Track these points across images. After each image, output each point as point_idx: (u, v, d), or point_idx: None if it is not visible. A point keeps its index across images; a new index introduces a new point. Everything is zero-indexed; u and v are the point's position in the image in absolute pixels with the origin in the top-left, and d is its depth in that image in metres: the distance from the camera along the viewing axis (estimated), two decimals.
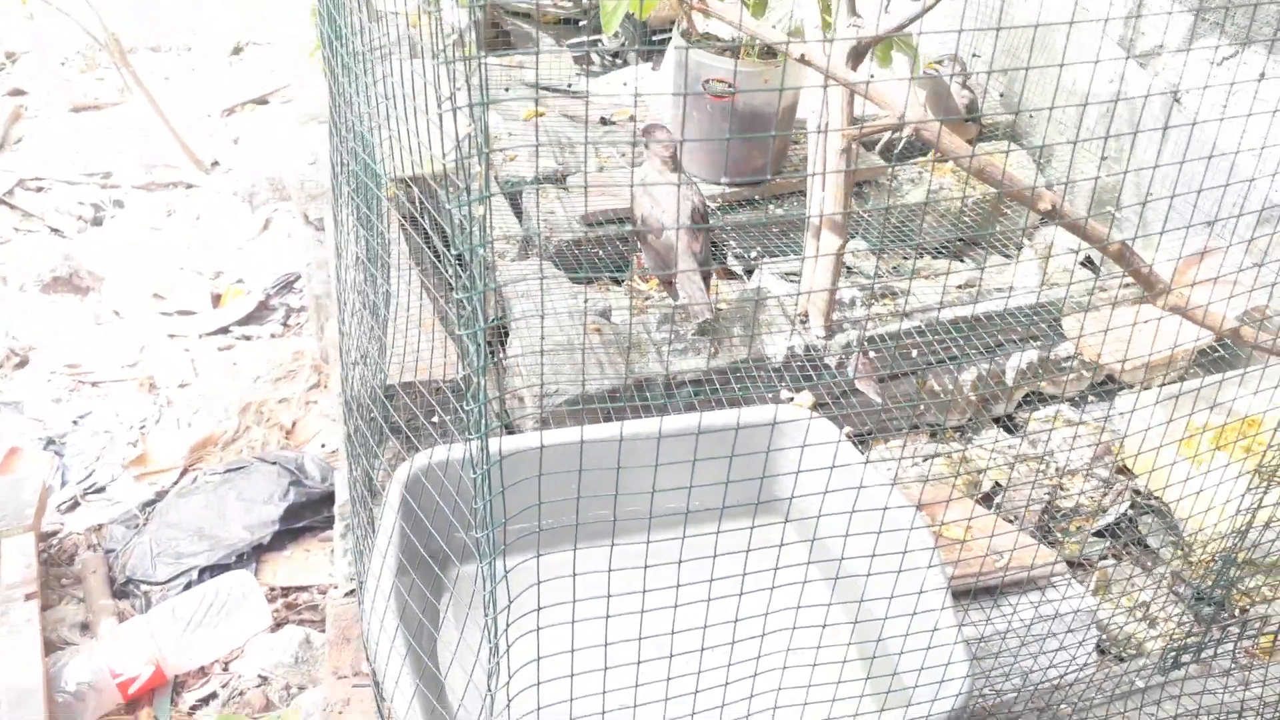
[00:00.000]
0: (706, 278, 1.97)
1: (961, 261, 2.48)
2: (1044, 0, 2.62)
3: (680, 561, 0.85)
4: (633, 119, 3.15)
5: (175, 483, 2.21)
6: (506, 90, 2.87)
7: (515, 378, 1.88)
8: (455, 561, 1.25)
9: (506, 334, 2.04)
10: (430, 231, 1.67)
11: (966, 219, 2.47)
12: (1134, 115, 2.45)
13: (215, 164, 3.41)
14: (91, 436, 2.33)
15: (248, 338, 2.67)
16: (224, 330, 2.68)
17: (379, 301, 1.71)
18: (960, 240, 2.50)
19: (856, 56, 1.69)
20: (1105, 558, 1.74)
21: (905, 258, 2.46)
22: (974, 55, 2.67)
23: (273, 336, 2.66)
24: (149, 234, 3.06)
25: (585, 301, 2.06)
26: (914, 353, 1.93)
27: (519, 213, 2.43)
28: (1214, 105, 2.20)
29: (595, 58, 3.67)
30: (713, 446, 0.92)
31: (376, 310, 1.72)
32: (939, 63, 2.29)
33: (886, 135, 2.45)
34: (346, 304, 1.85)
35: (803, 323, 1.95)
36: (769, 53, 2.43)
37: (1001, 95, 2.80)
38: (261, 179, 2.87)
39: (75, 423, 2.36)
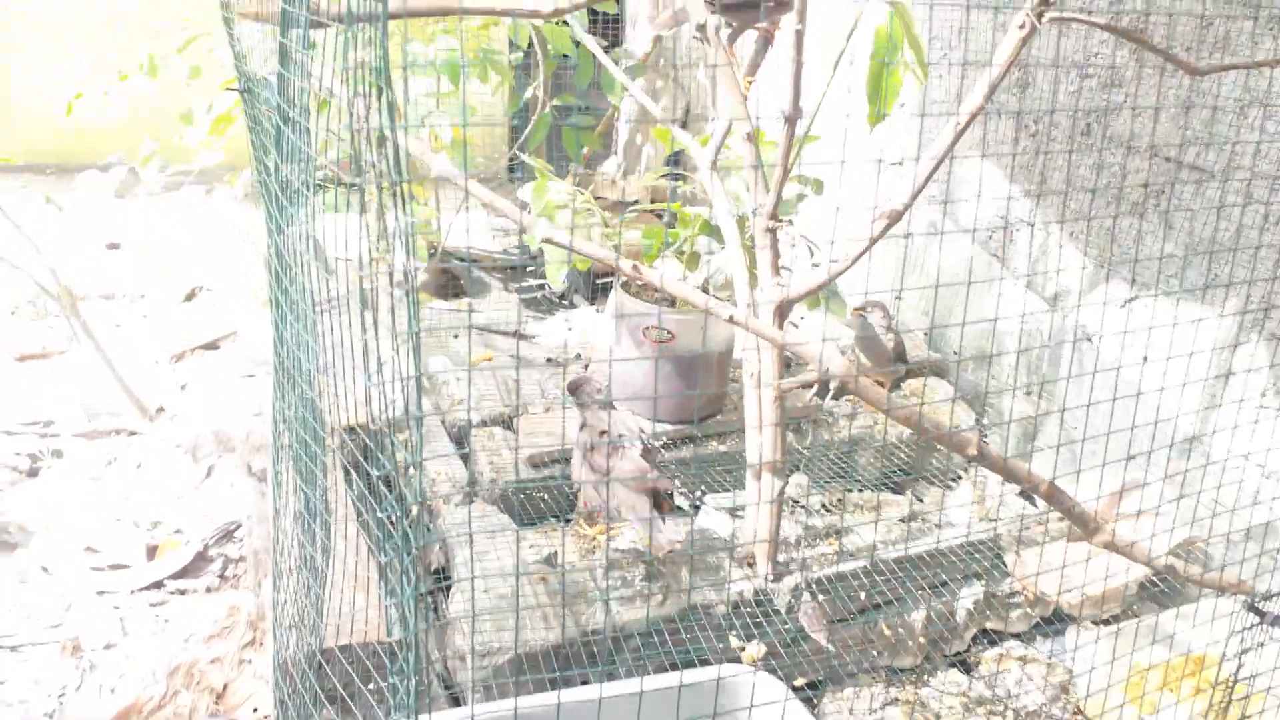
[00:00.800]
0: (658, 504, 1.97)
1: (900, 495, 2.53)
2: (970, 257, 2.83)
3: None
4: (579, 356, 3.25)
5: None
6: (455, 336, 2.96)
7: (458, 634, 1.83)
8: None
9: (449, 586, 2.01)
10: (365, 488, 1.67)
11: (902, 454, 2.54)
12: (1052, 355, 2.59)
13: (160, 410, 3.41)
14: (5, 708, 2.18)
15: (182, 592, 2.57)
16: (157, 585, 2.58)
17: (317, 558, 1.68)
18: (898, 473, 2.56)
19: (781, 313, 1.80)
20: None
21: (847, 490, 2.50)
22: (897, 298, 2.84)
23: (208, 590, 2.57)
24: (87, 484, 3.01)
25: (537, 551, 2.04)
26: (861, 594, 1.92)
27: (465, 458, 2.45)
28: (1126, 347, 2.34)
29: (542, 300, 3.84)
30: (656, 711, 0.90)
31: (315, 567, 1.68)
32: (863, 309, 2.43)
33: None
34: (283, 563, 1.81)
35: (749, 565, 1.95)
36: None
37: (925, 333, 2.96)
38: (206, 432, 2.88)
39: None
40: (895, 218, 1.70)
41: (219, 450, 2.86)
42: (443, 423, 2.55)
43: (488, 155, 5.58)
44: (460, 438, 2.52)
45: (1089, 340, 2.48)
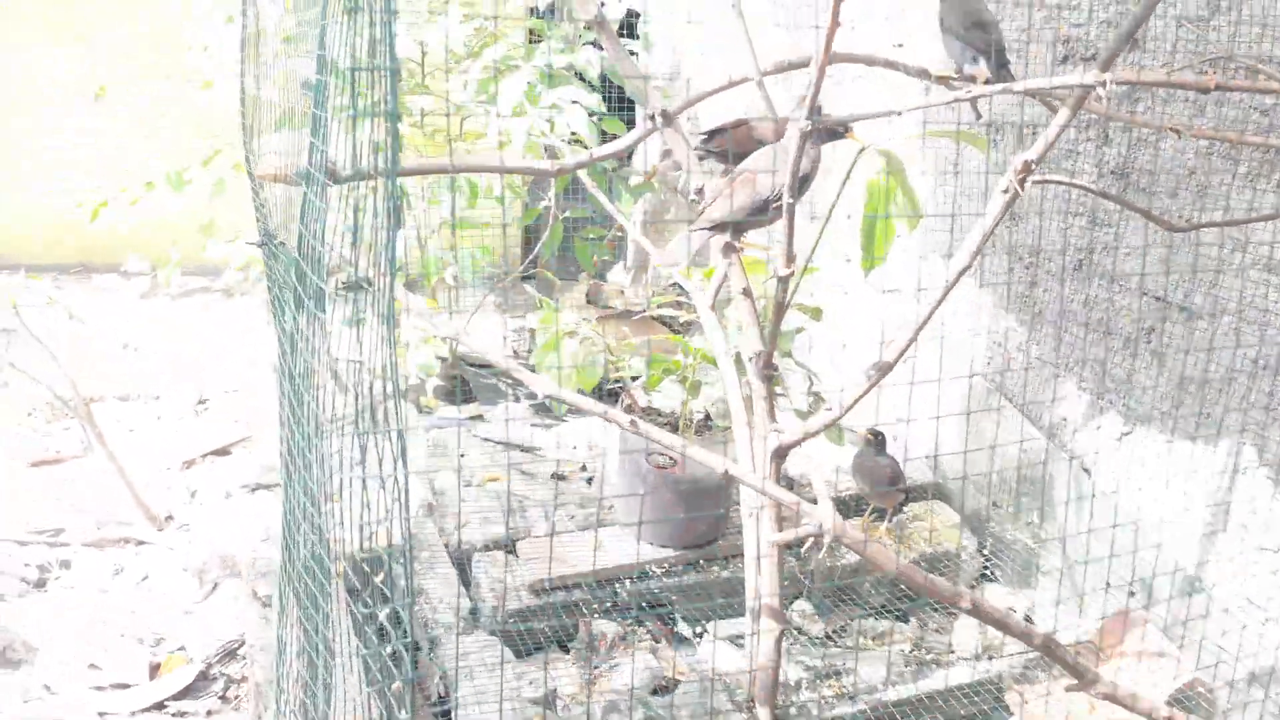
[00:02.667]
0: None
1: (905, 623, 2.53)
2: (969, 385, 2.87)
3: None
4: (584, 468, 3.28)
5: None
6: (463, 455, 3.00)
7: None
8: None
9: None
10: (364, 620, 1.68)
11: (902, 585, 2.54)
12: (1049, 483, 2.61)
13: (169, 518, 3.45)
14: None
15: (183, 714, 2.57)
16: (159, 706, 2.58)
17: (319, 694, 1.69)
18: (904, 599, 2.56)
19: (779, 456, 1.83)
20: None
21: (851, 619, 2.50)
22: (893, 439, 2.87)
23: (209, 714, 2.57)
24: (94, 595, 3.02)
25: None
26: None
27: (467, 583, 2.47)
28: (1121, 477, 2.37)
29: (550, 409, 3.88)
30: None
31: (316, 704, 1.69)
32: (867, 437, 2.46)
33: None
34: (285, 701, 1.82)
35: (749, 710, 1.95)
36: (706, 427, 2.61)
37: (927, 457, 2.99)
38: (213, 555, 2.90)
39: None
40: (887, 369, 1.75)
41: (226, 574, 2.88)
42: (446, 546, 2.58)
43: (502, 260, 5.70)
44: (463, 561, 2.54)
45: (1086, 472, 2.51)
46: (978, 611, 1.61)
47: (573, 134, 3.27)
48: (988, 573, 2.74)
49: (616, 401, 3.07)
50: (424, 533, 2.53)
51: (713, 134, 2.05)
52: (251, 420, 4.08)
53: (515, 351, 4.75)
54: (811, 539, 1.54)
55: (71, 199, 5.19)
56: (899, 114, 1.74)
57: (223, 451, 3.94)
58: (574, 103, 3.22)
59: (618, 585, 2.44)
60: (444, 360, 3.90)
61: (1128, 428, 2.42)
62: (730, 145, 1.94)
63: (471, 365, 4.29)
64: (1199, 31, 2.17)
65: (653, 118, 1.68)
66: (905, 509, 2.82)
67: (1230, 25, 2.13)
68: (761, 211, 1.80)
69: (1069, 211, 2.56)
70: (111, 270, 5.68)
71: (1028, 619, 2.52)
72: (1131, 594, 2.32)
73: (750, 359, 1.81)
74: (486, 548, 2.55)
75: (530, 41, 3.80)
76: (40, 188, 5.82)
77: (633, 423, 1.50)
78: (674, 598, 2.46)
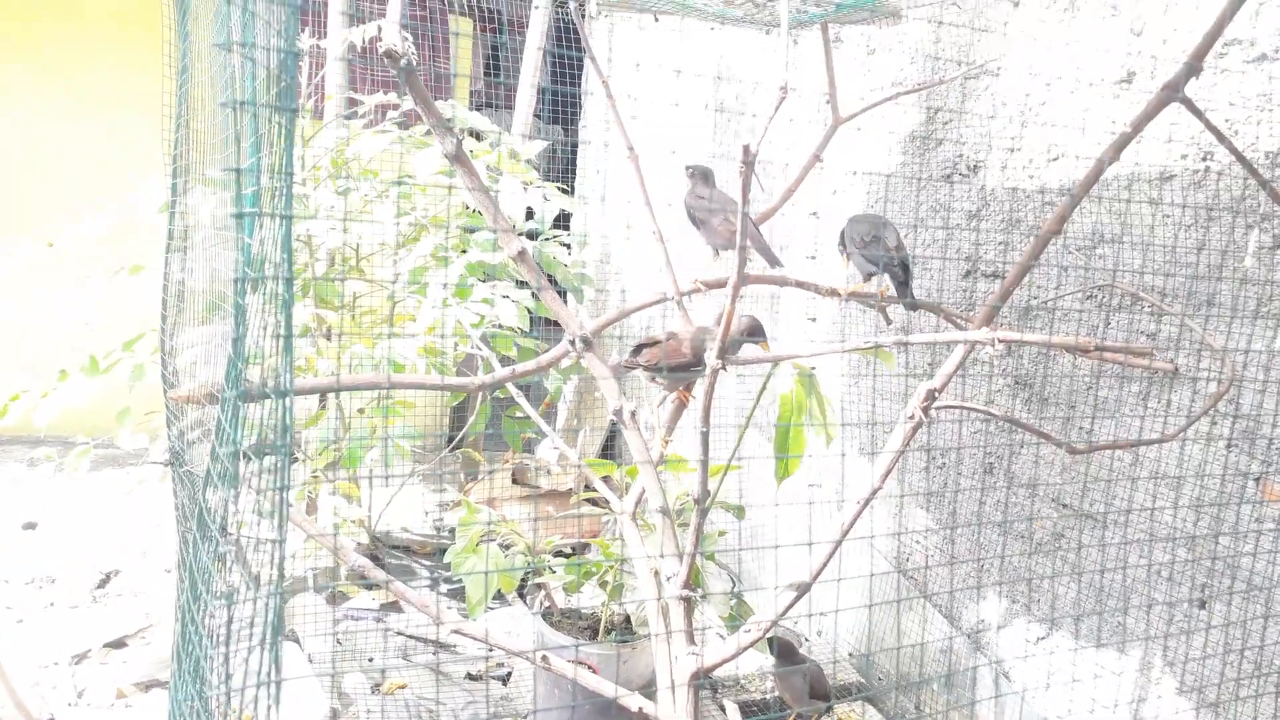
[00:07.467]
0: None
1: None
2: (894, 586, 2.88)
3: None
4: (501, 665, 3.16)
5: None
6: (370, 660, 2.88)
7: None
8: None
9: None
10: None
11: None
12: (973, 685, 2.60)
13: None
14: None
15: None
16: None
17: None
18: None
19: (697, 679, 1.80)
20: None
21: None
22: (818, 634, 2.85)
23: None
24: None
25: None
26: None
27: None
28: (1045, 686, 2.37)
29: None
30: None
31: None
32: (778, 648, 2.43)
33: None
34: None
35: None
36: (625, 634, 2.56)
37: (851, 655, 2.96)
38: None
39: None
40: (804, 589, 1.75)
41: None
42: None
43: (428, 432, 5.66)
44: None
45: (1006, 678, 2.50)
46: None
47: (503, 326, 3.33)
48: None
49: (534, 597, 3.00)
50: None
51: (640, 348, 2.10)
52: (153, 609, 3.88)
53: (437, 529, 4.65)
54: None
55: None
56: (814, 355, 1.81)
57: (118, 644, 3.71)
58: (505, 297, 3.30)
59: None
60: (359, 545, 3.80)
61: (1045, 632, 2.44)
62: (663, 358, 1.99)
63: (390, 546, 4.18)
64: (1085, 260, 2.33)
65: (573, 343, 1.72)
66: (833, 711, 2.77)
67: (1114, 253, 2.29)
68: (684, 370, 1.86)
69: (976, 417, 2.66)
70: (18, 440, 5.48)
71: None
72: None
73: (669, 579, 1.80)
74: None
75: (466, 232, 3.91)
76: None
77: (544, 658, 1.46)
78: None
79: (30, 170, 5.85)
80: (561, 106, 6.20)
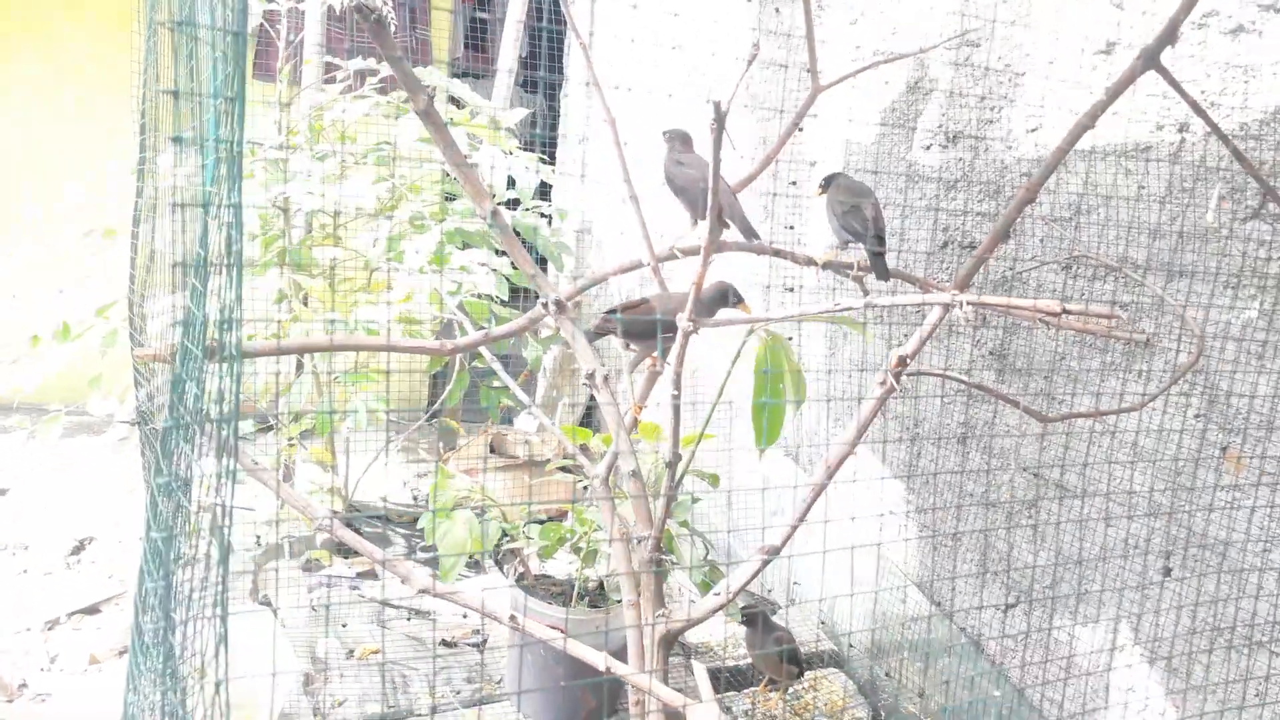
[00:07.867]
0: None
1: None
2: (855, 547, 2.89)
3: None
4: (476, 632, 3.17)
5: None
6: (344, 626, 2.88)
7: None
8: None
9: None
10: None
11: None
12: (934, 655, 2.62)
13: (23, 686, 3.18)
14: None
15: None
16: None
17: None
18: None
19: (668, 643, 1.80)
20: None
21: None
22: (791, 602, 2.87)
23: None
24: None
25: None
26: None
27: None
28: (1006, 652, 2.39)
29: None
30: None
31: None
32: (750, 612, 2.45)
33: None
34: None
35: None
36: (598, 600, 2.57)
37: (822, 623, 2.98)
38: None
39: None
40: (773, 552, 1.76)
41: None
42: None
43: (407, 402, 5.64)
44: None
45: (977, 647, 2.53)
46: None
47: (480, 294, 3.31)
48: None
49: (510, 564, 3.00)
50: (299, 710, 2.39)
51: (612, 312, 2.09)
52: (127, 576, 3.86)
53: (415, 497, 4.65)
54: None
55: None
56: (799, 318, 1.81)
57: (92, 610, 3.70)
58: (481, 265, 3.28)
59: None
60: (335, 512, 3.78)
61: (1011, 599, 2.46)
62: (634, 321, 1.98)
63: (369, 516, 4.17)
64: (1064, 231, 2.33)
65: (545, 305, 1.71)
66: (803, 677, 2.79)
67: (1097, 225, 2.30)
68: (653, 330, 1.86)
69: (951, 388, 2.67)
70: None
71: None
72: None
73: (639, 541, 1.80)
74: None
75: (446, 199, 3.88)
76: None
77: (512, 617, 1.46)
78: None
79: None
80: (547, 60, 6.11)
